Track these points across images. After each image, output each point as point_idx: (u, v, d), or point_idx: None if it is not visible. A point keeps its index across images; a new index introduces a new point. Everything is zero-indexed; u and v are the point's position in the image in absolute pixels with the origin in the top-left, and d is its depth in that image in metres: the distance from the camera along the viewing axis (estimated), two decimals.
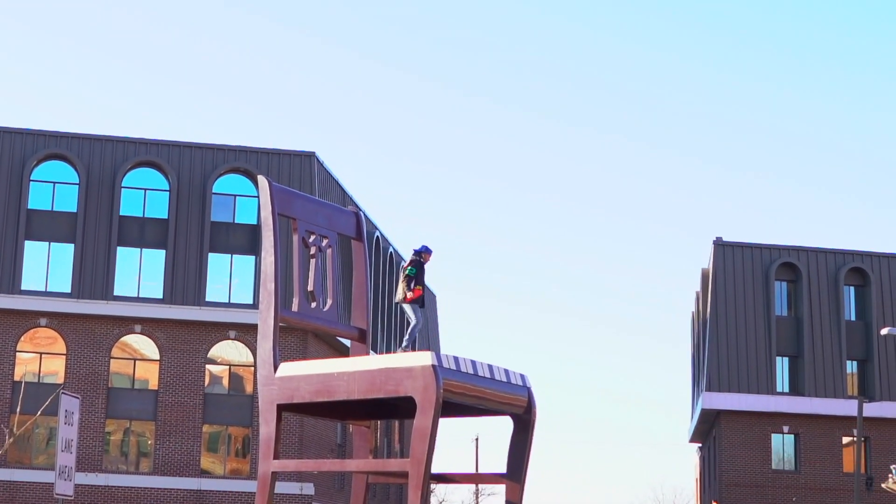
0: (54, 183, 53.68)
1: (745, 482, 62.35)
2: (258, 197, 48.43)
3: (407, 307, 20.70)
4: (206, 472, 52.61)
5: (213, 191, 54.24)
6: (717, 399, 62.62)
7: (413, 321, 20.77)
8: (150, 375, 53.19)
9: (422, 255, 20.46)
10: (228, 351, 53.66)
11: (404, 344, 21.27)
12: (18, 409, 46.19)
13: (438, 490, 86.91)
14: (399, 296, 20.89)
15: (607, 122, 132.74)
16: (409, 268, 20.57)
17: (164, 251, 53.51)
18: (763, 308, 63.89)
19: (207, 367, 53.27)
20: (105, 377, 52.49)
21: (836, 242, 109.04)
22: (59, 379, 52.25)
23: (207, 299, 53.24)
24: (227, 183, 54.67)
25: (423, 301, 20.81)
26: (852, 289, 65.01)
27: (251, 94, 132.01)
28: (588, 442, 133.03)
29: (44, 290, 52.57)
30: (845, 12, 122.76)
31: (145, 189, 54.20)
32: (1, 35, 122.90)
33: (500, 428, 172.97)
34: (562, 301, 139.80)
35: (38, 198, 53.50)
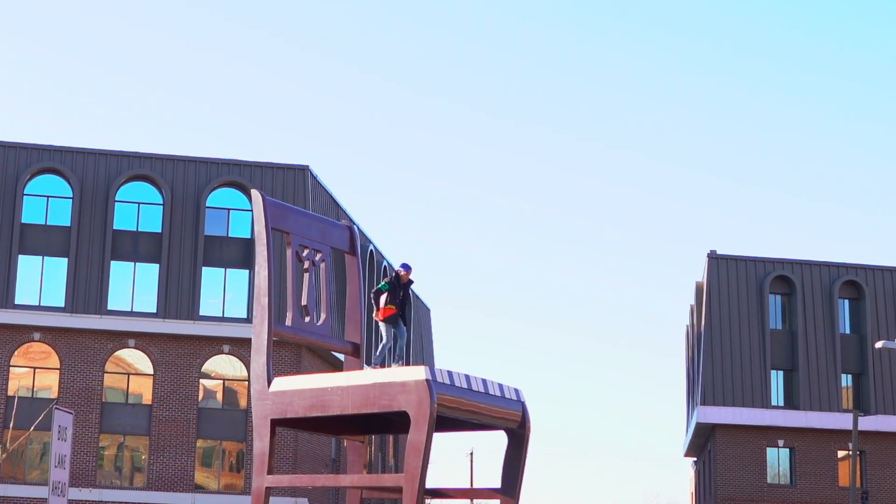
0: (48, 197, 53.66)
1: (740, 496, 62.29)
2: (252, 211, 48.05)
3: (381, 325, 20.79)
4: (200, 487, 52.49)
5: (207, 204, 54.23)
6: (711, 413, 62.56)
7: (384, 339, 20.80)
8: (143, 390, 53.10)
9: (398, 273, 20.52)
10: (222, 365, 53.59)
11: (373, 361, 21.28)
12: (11, 425, 46.06)
13: None
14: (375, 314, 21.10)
15: (603, 135, 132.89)
16: (382, 284, 20.72)
17: (157, 265, 53.47)
18: (757, 321, 63.87)
19: (201, 381, 53.20)
20: (99, 392, 52.39)
21: (831, 255, 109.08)
22: (53, 394, 52.15)
23: (201, 313, 53.19)
24: (221, 197, 54.66)
25: (397, 319, 20.71)
26: (847, 302, 65.00)
27: (245, 108, 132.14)
28: (583, 456, 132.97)
29: (37, 304, 52.50)
30: (840, 26, 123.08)
31: (139, 203, 54.18)
32: None
33: (495, 442, 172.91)
34: (556, 314, 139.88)
35: (31, 212, 53.47)
